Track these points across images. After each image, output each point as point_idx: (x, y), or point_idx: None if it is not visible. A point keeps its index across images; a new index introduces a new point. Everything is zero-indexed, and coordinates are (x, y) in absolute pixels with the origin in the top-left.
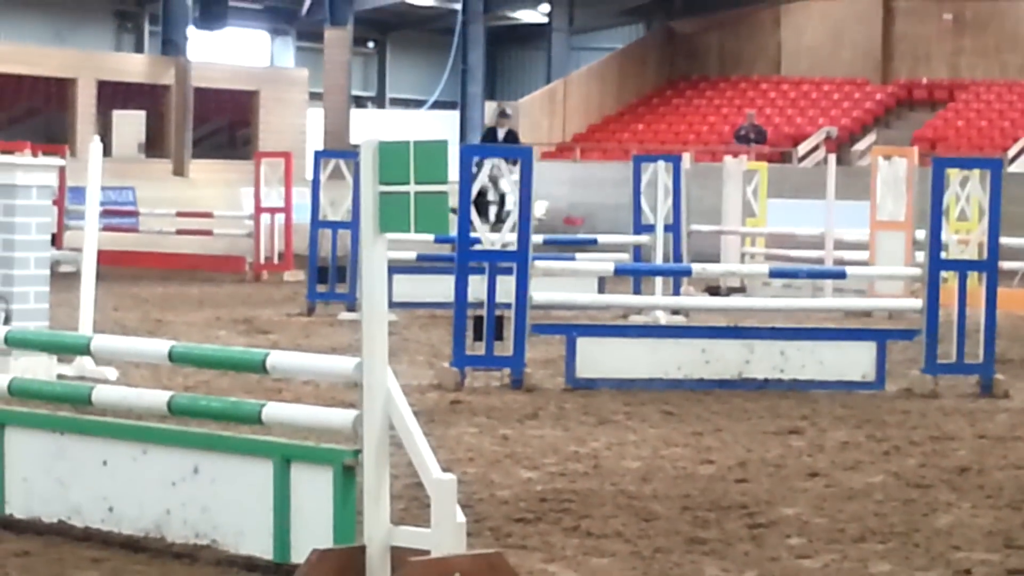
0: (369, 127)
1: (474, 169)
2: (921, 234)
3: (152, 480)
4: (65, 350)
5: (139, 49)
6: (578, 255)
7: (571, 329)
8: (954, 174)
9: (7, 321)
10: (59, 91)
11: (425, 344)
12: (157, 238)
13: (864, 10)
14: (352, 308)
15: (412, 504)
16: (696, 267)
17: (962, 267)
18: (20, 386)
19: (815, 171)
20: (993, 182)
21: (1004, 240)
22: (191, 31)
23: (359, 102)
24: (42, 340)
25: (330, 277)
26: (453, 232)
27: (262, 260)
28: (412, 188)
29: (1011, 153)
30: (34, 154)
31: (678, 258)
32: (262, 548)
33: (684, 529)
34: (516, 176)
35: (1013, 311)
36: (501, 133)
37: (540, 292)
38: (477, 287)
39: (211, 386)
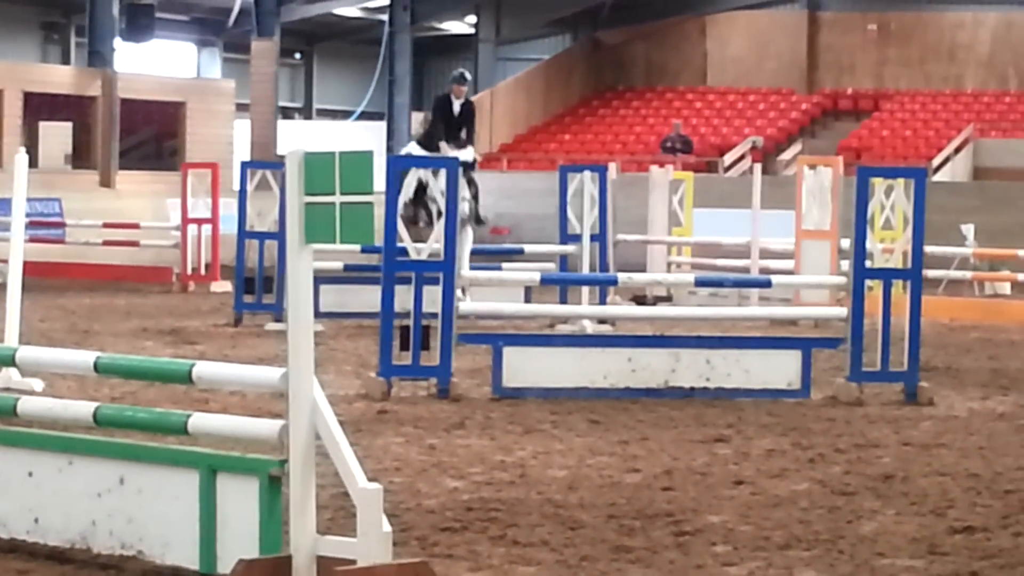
0: (296, 138)
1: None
2: (846, 243)
3: (78, 491)
4: None
5: (65, 61)
6: (504, 265)
7: (497, 339)
8: (879, 183)
9: None
10: None
11: (352, 354)
12: (84, 249)
13: (789, 21)
14: (279, 318)
15: (339, 514)
16: (622, 276)
17: (887, 275)
18: None
19: (741, 181)
20: (917, 191)
21: (928, 248)
22: (118, 43)
23: (286, 113)
24: None
25: (257, 288)
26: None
27: (189, 271)
28: (337, 199)
29: (935, 162)
30: None
31: (604, 267)
32: (188, 558)
33: (610, 537)
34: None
35: (937, 319)
36: (457, 105)
37: (466, 302)
38: (404, 297)
39: (138, 397)
